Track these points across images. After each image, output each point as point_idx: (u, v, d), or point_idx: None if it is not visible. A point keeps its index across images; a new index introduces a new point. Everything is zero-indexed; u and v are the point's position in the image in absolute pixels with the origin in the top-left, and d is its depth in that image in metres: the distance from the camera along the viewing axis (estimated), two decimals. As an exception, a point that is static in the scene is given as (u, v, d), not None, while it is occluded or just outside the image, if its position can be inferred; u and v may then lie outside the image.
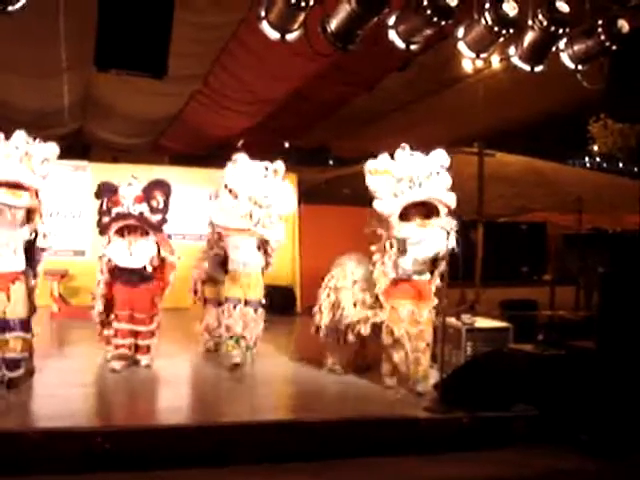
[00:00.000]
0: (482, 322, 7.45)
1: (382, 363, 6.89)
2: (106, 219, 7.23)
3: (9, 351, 6.19)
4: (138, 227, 7.21)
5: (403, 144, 6.73)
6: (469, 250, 11.28)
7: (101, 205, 7.32)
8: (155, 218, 7.21)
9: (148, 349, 7.46)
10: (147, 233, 7.22)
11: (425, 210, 6.68)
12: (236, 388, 6.99)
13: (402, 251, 6.70)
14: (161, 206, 7.23)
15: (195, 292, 8.55)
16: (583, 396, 5.93)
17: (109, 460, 4.96)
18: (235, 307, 7.48)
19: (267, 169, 7.45)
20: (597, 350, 6.28)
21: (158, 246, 7.34)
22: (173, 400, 6.52)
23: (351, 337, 7.07)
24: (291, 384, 7.30)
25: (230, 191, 7.34)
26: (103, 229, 7.28)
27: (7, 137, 6.09)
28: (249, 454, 5.24)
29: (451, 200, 6.67)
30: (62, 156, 6.56)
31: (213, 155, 17.80)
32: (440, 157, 6.71)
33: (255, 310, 7.61)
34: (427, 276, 6.83)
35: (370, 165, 6.74)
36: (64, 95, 9.62)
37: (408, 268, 6.74)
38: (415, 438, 5.66)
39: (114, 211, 7.18)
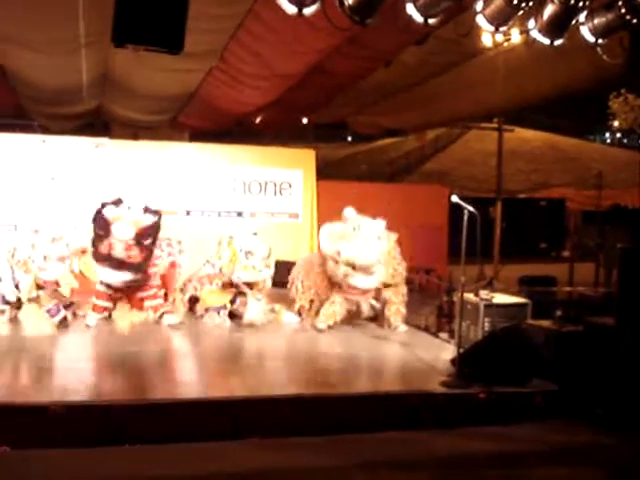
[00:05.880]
0: (500, 298, 7.46)
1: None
2: None
3: None
4: None
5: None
6: (488, 226, 11.24)
7: None
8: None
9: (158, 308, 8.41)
10: None
11: None
12: (245, 363, 7.11)
13: None
14: None
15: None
16: (600, 372, 5.94)
17: (126, 433, 5.06)
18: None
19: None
20: (616, 326, 6.25)
21: None
22: (185, 374, 6.67)
23: None
24: (304, 359, 7.28)
25: None
26: None
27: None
28: (258, 428, 5.29)
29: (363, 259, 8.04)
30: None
31: (232, 132, 17.79)
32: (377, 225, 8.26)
33: None
34: None
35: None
36: (82, 72, 9.62)
37: None
38: (432, 412, 5.71)
39: None
